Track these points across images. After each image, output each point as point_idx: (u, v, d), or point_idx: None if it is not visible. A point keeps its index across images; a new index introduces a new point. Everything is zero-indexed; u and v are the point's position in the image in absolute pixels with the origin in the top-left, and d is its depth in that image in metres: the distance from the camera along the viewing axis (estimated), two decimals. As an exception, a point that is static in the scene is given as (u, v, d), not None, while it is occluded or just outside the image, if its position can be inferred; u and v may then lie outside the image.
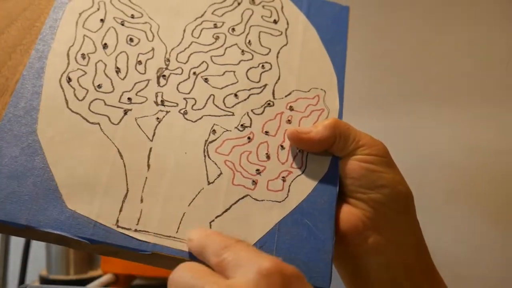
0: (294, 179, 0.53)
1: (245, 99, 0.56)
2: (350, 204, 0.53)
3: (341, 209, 0.53)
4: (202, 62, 0.57)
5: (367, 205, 0.53)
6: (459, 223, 1.28)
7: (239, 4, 0.61)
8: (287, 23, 0.60)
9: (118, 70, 0.54)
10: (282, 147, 0.54)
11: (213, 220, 0.50)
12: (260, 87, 0.56)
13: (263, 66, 0.57)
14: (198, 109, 0.54)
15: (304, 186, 0.53)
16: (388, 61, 1.37)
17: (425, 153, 1.34)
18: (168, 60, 0.56)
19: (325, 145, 0.53)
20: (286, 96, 0.57)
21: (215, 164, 0.52)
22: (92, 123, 0.52)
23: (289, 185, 0.52)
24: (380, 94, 1.40)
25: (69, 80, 0.53)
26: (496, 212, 1.27)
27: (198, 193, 0.50)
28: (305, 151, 0.54)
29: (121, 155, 0.51)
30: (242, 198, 0.51)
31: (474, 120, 1.29)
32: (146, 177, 0.50)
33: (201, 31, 0.58)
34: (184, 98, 0.54)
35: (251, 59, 0.58)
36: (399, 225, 0.54)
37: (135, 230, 0.48)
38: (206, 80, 0.56)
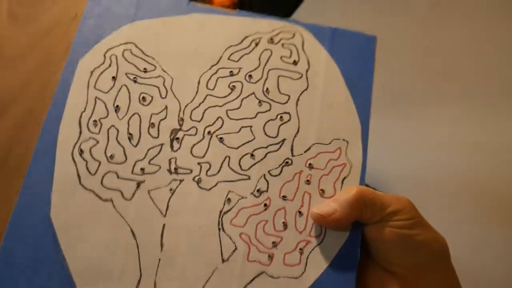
0: (312, 249, 0.51)
1: (261, 159, 0.53)
2: (384, 271, 0.51)
3: (374, 277, 0.52)
4: (217, 119, 0.54)
5: (405, 270, 0.51)
6: (460, 223, 1.23)
7: (256, 45, 0.57)
8: (308, 63, 0.57)
9: (130, 137, 0.53)
10: (300, 213, 0.52)
11: None
12: (278, 142, 0.54)
13: (281, 117, 0.55)
14: (213, 175, 0.53)
15: (322, 257, 0.51)
16: (388, 61, 1.31)
17: (425, 153, 1.29)
18: (182, 119, 0.54)
19: (352, 221, 0.51)
20: (305, 151, 0.54)
21: (230, 238, 0.51)
22: (105, 200, 0.51)
23: (307, 258, 0.51)
24: (380, 94, 1.36)
25: (81, 152, 0.52)
26: (496, 212, 1.22)
27: (213, 273, 0.50)
28: None
29: (134, 235, 0.50)
30: (258, 276, 0.50)
31: (475, 120, 1.23)
32: (159, 259, 0.50)
33: (216, 81, 0.56)
34: (199, 163, 0.53)
35: (269, 110, 0.55)
36: (437, 281, 0.52)
37: (148, 320, 0.48)
38: (221, 140, 0.54)
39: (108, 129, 0.53)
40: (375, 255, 0.52)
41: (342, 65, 0.57)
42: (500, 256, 1.21)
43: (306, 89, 0.56)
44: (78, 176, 0.52)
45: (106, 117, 0.54)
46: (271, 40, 0.57)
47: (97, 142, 0.53)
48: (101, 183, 0.52)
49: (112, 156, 0.52)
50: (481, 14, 1.24)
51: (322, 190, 0.53)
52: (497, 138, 1.22)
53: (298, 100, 0.55)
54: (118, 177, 0.52)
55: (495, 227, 1.22)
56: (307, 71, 0.56)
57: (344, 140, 0.54)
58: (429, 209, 1.30)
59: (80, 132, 0.53)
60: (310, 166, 0.53)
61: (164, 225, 0.51)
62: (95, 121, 0.53)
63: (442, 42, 1.30)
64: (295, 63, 0.57)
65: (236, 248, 0.51)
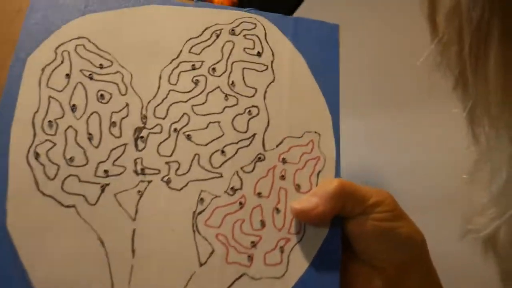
0: (293, 247, 0.49)
1: (233, 155, 0.51)
2: (367, 267, 0.50)
3: (358, 273, 0.50)
4: (183, 115, 0.51)
5: (388, 264, 0.50)
6: (459, 223, 1.26)
7: (217, 36, 0.54)
8: (272, 54, 0.54)
9: (90, 137, 0.49)
10: (278, 210, 0.50)
11: None
12: (249, 137, 0.51)
13: (249, 111, 0.52)
14: (183, 174, 0.50)
15: (304, 255, 0.49)
16: (389, 60, 1.32)
17: (425, 152, 1.31)
18: (145, 116, 0.51)
19: (334, 215, 0.48)
20: (277, 145, 0.51)
21: (206, 240, 0.48)
22: (67, 206, 0.47)
23: (288, 256, 0.49)
24: (380, 94, 1.37)
25: (37, 156, 0.48)
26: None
27: (190, 278, 0.47)
28: None
29: (102, 242, 0.47)
30: (238, 278, 0.47)
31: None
32: (132, 265, 0.46)
33: (178, 75, 0.52)
34: (167, 163, 0.50)
35: (236, 104, 0.52)
36: (420, 275, 0.51)
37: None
38: (188, 137, 0.50)
39: (65, 130, 0.49)
40: (357, 250, 0.50)
41: (307, 55, 0.55)
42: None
43: (272, 81, 0.54)
44: (36, 181, 0.47)
45: (62, 117, 0.50)
46: (232, 32, 0.55)
47: (54, 144, 0.49)
48: (62, 188, 0.48)
49: (72, 159, 0.48)
50: None
51: (298, 185, 0.51)
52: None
53: (265, 92, 0.53)
54: (80, 180, 0.48)
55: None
56: (272, 62, 0.54)
57: (316, 132, 0.52)
58: (429, 209, 1.30)
59: (35, 135, 0.49)
60: (284, 161, 0.51)
61: (134, 230, 0.47)
62: (50, 121, 0.49)
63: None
64: (259, 54, 0.54)
65: (213, 251, 0.48)
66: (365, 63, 1.36)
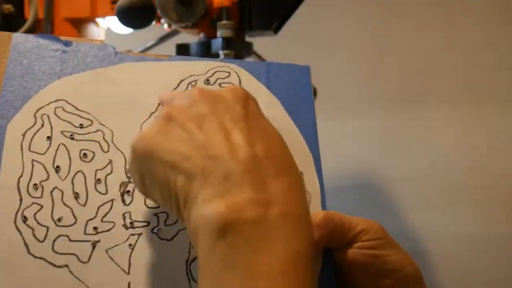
0: None
1: None
2: None
3: None
4: None
5: None
6: (459, 222, 1.26)
7: (193, 87, 0.55)
8: None
9: (77, 196, 0.49)
10: None
11: None
12: None
13: None
14: (172, 224, 0.50)
15: None
16: (388, 61, 1.34)
17: (425, 152, 1.31)
18: (129, 171, 0.51)
19: (322, 244, 0.49)
20: None
21: None
22: (59, 266, 0.47)
23: None
24: (381, 94, 1.38)
25: (25, 219, 0.48)
26: (497, 212, 1.26)
27: None
28: None
29: None
30: None
31: (475, 120, 1.27)
32: (131, 319, 0.46)
33: None
34: (155, 214, 0.50)
35: None
36: None
37: None
38: None
39: (51, 192, 0.49)
40: (348, 280, 0.50)
41: (281, 97, 0.56)
42: (501, 255, 1.21)
43: None
44: (26, 245, 0.47)
45: (47, 179, 0.50)
46: (207, 81, 0.56)
47: (41, 206, 0.49)
48: (53, 249, 0.48)
49: (60, 219, 0.48)
50: (481, 16, 1.26)
51: None
52: (498, 137, 1.23)
53: None
54: (70, 240, 0.48)
55: (493, 226, 1.22)
56: None
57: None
58: (428, 208, 1.30)
59: (21, 199, 0.49)
60: None
61: (129, 283, 0.47)
62: (35, 184, 0.49)
63: (443, 42, 1.30)
64: None
65: None
66: (365, 64, 1.36)
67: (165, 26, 0.94)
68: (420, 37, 1.33)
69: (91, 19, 0.91)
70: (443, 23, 1.33)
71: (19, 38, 0.55)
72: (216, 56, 0.86)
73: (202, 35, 0.93)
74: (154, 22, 0.83)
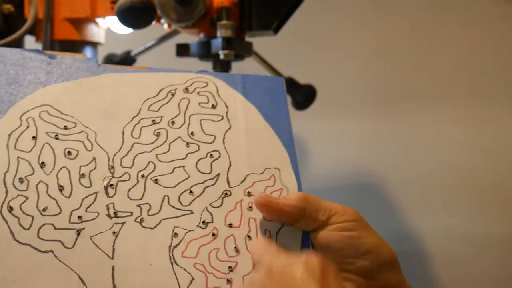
0: None
1: (200, 194, 0.53)
2: None
3: None
4: (149, 163, 0.54)
5: (356, 275, 0.51)
6: (459, 222, 1.26)
7: (173, 95, 0.58)
8: (226, 106, 0.58)
9: (61, 188, 0.51)
10: (250, 237, 0.52)
11: None
12: (213, 177, 0.54)
13: (211, 155, 0.55)
14: (155, 214, 0.51)
15: None
16: (388, 61, 1.35)
17: (425, 152, 1.32)
18: (113, 167, 0.53)
19: (295, 214, 0.51)
20: (241, 182, 0.54)
21: (185, 270, 0.49)
22: (44, 251, 0.48)
23: None
24: (381, 94, 1.37)
25: (10, 209, 0.49)
26: (497, 212, 1.26)
27: None
28: (273, 228, 0.52)
29: (83, 282, 0.47)
30: None
31: (475, 120, 1.28)
32: (115, 300, 0.46)
33: (140, 130, 0.56)
34: (138, 205, 0.51)
35: (198, 150, 0.55)
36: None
37: None
38: (156, 181, 0.53)
39: (37, 185, 0.51)
40: None
41: (257, 104, 0.59)
42: (500, 255, 1.20)
43: (229, 128, 0.57)
44: (11, 232, 0.49)
45: (32, 174, 0.51)
46: (186, 90, 0.59)
47: (27, 198, 0.50)
48: (38, 235, 0.49)
49: (45, 209, 0.50)
50: (481, 16, 1.28)
51: None
52: (498, 137, 1.23)
53: (224, 138, 0.57)
54: (55, 228, 0.49)
55: (493, 226, 1.21)
56: (226, 113, 0.58)
57: (276, 168, 0.56)
58: (428, 208, 1.28)
59: (7, 191, 0.50)
60: (249, 194, 0.54)
61: (113, 267, 0.48)
62: (21, 178, 0.51)
63: (443, 42, 1.31)
64: (213, 107, 0.58)
65: (193, 279, 0.49)
66: (365, 64, 1.36)
67: (165, 26, 0.95)
68: (420, 37, 1.34)
69: (91, 19, 0.91)
70: (443, 23, 1.33)
71: (4, 51, 0.58)
72: (216, 56, 0.87)
73: (202, 35, 0.93)
74: (154, 22, 0.84)
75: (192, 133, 0.56)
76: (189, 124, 0.57)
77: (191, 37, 0.97)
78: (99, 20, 0.95)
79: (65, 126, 0.54)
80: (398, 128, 1.34)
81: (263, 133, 0.58)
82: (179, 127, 0.56)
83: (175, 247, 0.50)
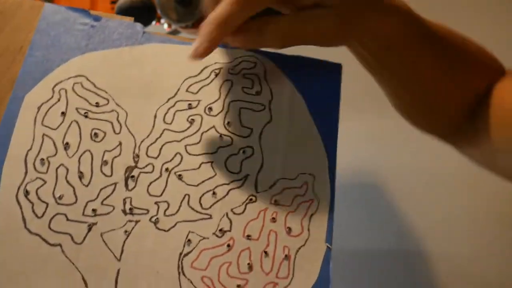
0: None
1: (223, 197, 0.50)
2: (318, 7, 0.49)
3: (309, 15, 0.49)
4: (176, 154, 0.51)
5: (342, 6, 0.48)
6: (459, 222, 1.22)
7: (216, 75, 0.54)
8: (271, 94, 0.53)
9: (81, 175, 0.49)
10: (266, 254, 0.48)
11: None
12: (241, 179, 0.50)
13: (244, 151, 0.51)
14: (171, 215, 0.49)
15: None
16: None
17: (426, 152, 1.28)
18: (138, 156, 0.50)
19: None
20: (270, 187, 0.50)
21: (191, 282, 0.47)
22: (52, 244, 0.47)
23: None
24: (381, 94, 1.34)
25: (26, 193, 0.48)
26: (498, 212, 1.21)
27: None
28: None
29: (85, 283, 0.46)
30: None
31: None
32: (114, 308, 0.45)
33: (174, 114, 0.52)
34: (156, 203, 0.49)
35: (231, 144, 0.51)
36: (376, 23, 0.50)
37: None
38: (180, 177, 0.50)
39: (57, 168, 0.49)
40: None
41: (307, 95, 0.54)
42: (500, 255, 1.19)
43: (269, 121, 0.53)
44: (23, 219, 0.47)
45: (55, 155, 0.50)
46: (232, 70, 0.54)
47: (45, 182, 0.49)
48: (49, 226, 0.47)
49: (61, 197, 0.48)
50: (481, 15, 1.24)
51: (289, 228, 0.49)
52: None
53: (261, 133, 0.52)
54: (67, 219, 0.48)
55: (493, 225, 1.19)
56: (270, 102, 0.53)
57: (310, 174, 0.51)
58: (428, 208, 1.26)
59: (26, 172, 0.49)
60: (276, 203, 0.50)
61: (118, 271, 0.47)
62: (42, 159, 0.49)
63: None
64: (257, 93, 0.53)
65: None
66: None
67: (165, 26, 0.94)
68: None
69: None
70: (443, 21, 1.27)
71: (50, 8, 0.55)
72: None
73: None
74: (154, 22, 0.82)
75: (228, 123, 0.52)
76: (227, 112, 0.53)
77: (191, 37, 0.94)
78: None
79: (97, 103, 0.52)
80: (399, 127, 1.26)
81: (305, 132, 0.53)
82: (216, 115, 0.53)
83: (185, 255, 0.48)
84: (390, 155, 1.30)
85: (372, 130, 1.31)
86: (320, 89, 0.54)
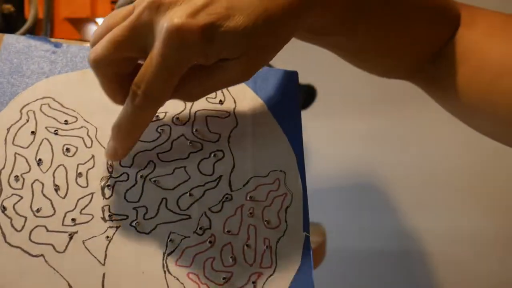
0: (266, 281, 0.48)
1: (200, 197, 0.51)
2: None
3: None
4: (149, 163, 0.52)
5: None
6: (459, 222, 1.24)
7: None
8: (234, 102, 0.56)
9: (57, 188, 0.49)
10: (248, 246, 0.49)
11: None
12: (215, 180, 0.52)
13: (215, 155, 0.53)
14: (151, 218, 0.50)
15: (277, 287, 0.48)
16: None
17: (426, 152, 1.30)
18: (111, 166, 0.51)
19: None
20: (244, 185, 0.52)
21: (177, 279, 0.47)
22: (35, 256, 0.47)
23: None
24: (381, 93, 1.36)
25: (3, 209, 0.48)
26: (497, 212, 1.24)
27: None
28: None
29: None
30: None
31: None
32: (103, 310, 0.45)
33: None
34: (134, 208, 0.50)
35: (201, 149, 0.53)
36: None
37: None
38: (155, 182, 0.51)
39: (32, 184, 0.50)
40: None
41: (267, 100, 0.56)
42: (500, 255, 1.19)
43: (235, 126, 0.55)
44: (3, 234, 0.47)
45: (29, 171, 0.50)
46: None
47: (21, 197, 0.49)
48: (29, 238, 0.48)
49: (38, 210, 0.48)
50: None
51: (267, 221, 0.51)
52: None
53: (229, 137, 0.54)
54: (47, 230, 0.48)
55: (493, 225, 1.20)
56: (234, 109, 0.56)
57: (281, 171, 0.53)
58: (428, 208, 1.27)
59: (1, 189, 0.49)
60: (251, 199, 0.51)
61: (104, 274, 0.47)
62: (16, 176, 0.50)
63: None
64: (221, 102, 0.56)
65: None
66: None
67: None
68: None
69: (91, 19, 0.91)
70: None
71: (10, 38, 0.56)
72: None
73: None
74: None
75: (196, 130, 0.54)
76: (194, 121, 0.55)
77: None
78: (99, 20, 0.94)
79: (65, 121, 0.53)
80: (399, 127, 1.32)
81: (271, 132, 0.55)
82: (184, 124, 0.54)
83: (169, 254, 0.48)
84: (391, 155, 1.32)
85: (372, 129, 1.32)
86: (280, 96, 0.57)
